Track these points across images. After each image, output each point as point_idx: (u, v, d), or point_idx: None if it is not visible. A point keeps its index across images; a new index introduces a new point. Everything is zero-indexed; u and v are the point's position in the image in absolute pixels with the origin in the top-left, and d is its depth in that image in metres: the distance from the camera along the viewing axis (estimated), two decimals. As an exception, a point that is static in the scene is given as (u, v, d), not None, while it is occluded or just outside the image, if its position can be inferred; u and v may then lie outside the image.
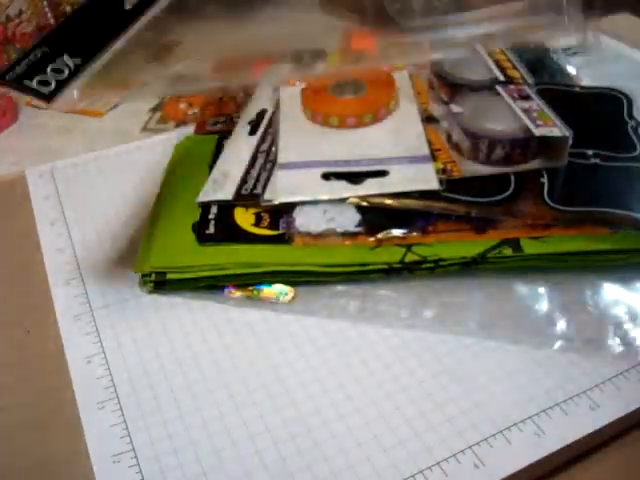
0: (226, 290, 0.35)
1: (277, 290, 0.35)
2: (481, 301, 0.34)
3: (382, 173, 0.38)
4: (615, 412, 0.28)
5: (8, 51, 0.64)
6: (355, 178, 0.38)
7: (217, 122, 0.48)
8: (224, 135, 0.45)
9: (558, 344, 0.31)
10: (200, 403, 0.30)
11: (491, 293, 0.34)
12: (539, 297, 0.34)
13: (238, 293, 0.35)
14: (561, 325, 0.32)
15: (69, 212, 0.42)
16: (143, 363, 0.32)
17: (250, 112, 0.47)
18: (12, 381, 0.32)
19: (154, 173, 0.44)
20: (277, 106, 0.45)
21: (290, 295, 0.35)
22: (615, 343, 0.31)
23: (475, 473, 0.27)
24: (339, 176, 0.38)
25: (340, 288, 0.35)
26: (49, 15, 0.65)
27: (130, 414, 0.30)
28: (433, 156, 0.39)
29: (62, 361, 0.32)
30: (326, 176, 0.38)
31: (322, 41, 0.64)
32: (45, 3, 0.64)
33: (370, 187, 0.37)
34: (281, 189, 0.38)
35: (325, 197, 0.37)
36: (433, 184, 0.37)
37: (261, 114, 0.46)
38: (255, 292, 0.35)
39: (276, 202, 0.37)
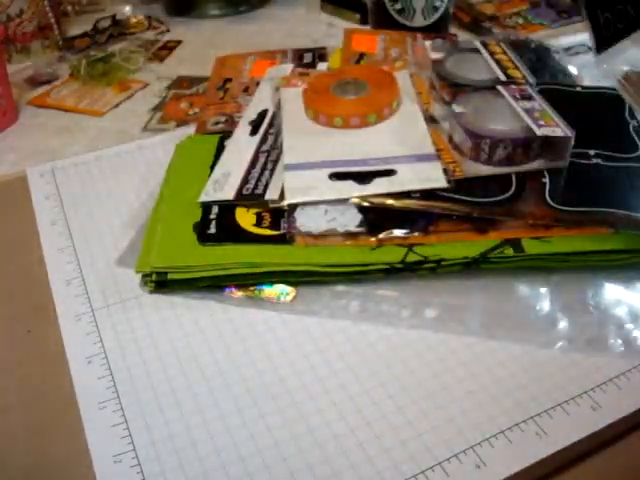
0: (227, 290, 0.35)
1: (278, 290, 0.35)
2: (482, 301, 0.34)
3: (389, 172, 0.38)
4: (617, 412, 0.28)
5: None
6: (362, 178, 0.38)
7: (218, 122, 0.48)
8: (225, 135, 0.45)
9: (560, 344, 0.31)
10: (201, 403, 0.30)
11: (492, 293, 0.34)
12: (540, 297, 0.34)
13: (239, 293, 0.35)
14: (563, 325, 0.32)
15: (70, 212, 0.42)
16: (144, 363, 0.32)
17: (251, 112, 0.47)
18: (13, 381, 0.32)
19: (155, 173, 0.44)
20: (279, 107, 0.45)
21: (291, 295, 0.35)
22: (617, 343, 0.31)
23: (477, 473, 0.27)
24: (346, 176, 0.38)
25: (341, 288, 0.35)
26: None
27: (131, 414, 0.30)
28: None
29: (63, 361, 0.32)
30: (332, 176, 0.38)
31: (322, 41, 0.64)
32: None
33: (378, 186, 0.37)
34: (290, 190, 0.38)
35: (334, 197, 0.37)
36: (441, 182, 0.37)
37: (262, 114, 0.46)
38: (256, 292, 0.35)
39: (285, 203, 0.37)
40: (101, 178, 0.45)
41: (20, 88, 0.60)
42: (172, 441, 0.29)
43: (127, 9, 0.74)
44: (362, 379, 0.31)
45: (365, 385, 0.30)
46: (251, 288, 0.35)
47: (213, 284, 0.35)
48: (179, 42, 0.69)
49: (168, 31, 0.71)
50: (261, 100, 0.48)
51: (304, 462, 0.27)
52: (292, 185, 0.38)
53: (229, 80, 0.52)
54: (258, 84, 0.50)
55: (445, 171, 0.38)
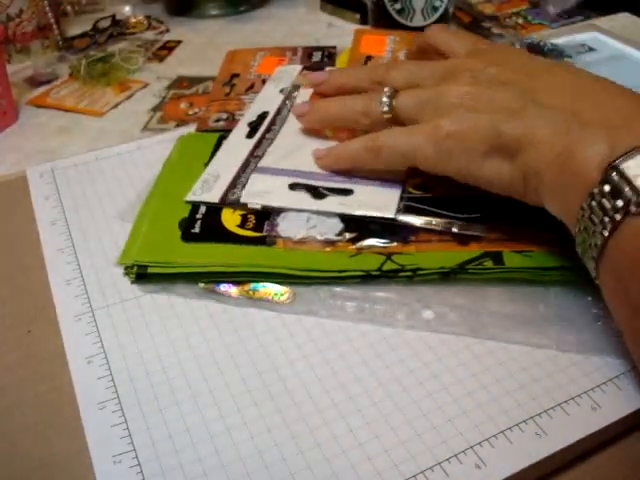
0: (222, 287, 0.35)
1: (273, 291, 0.35)
2: (482, 301, 0.34)
3: (347, 192, 0.38)
4: (617, 412, 0.28)
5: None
6: (318, 193, 0.38)
7: (219, 119, 0.48)
8: (225, 134, 0.45)
9: (559, 344, 0.31)
10: (201, 403, 0.30)
11: (491, 293, 0.34)
12: (540, 297, 0.34)
13: (234, 291, 0.35)
14: (562, 325, 0.32)
15: (70, 212, 0.42)
16: (144, 363, 0.32)
17: (252, 112, 0.46)
18: (13, 381, 0.32)
19: (155, 173, 0.44)
20: (283, 105, 0.45)
21: (285, 295, 0.35)
22: (617, 343, 0.31)
23: (477, 473, 0.27)
24: (305, 188, 0.38)
25: (340, 289, 0.35)
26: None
27: (131, 414, 0.30)
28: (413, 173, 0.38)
29: (63, 361, 0.32)
30: (292, 186, 0.39)
31: (323, 41, 0.64)
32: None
33: (329, 204, 0.37)
34: (249, 191, 0.39)
35: (285, 205, 0.37)
36: (389, 212, 0.36)
37: (262, 116, 0.46)
38: (250, 292, 0.35)
39: (240, 202, 0.38)
40: (101, 178, 0.45)
41: (20, 88, 0.60)
42: (172, 441, 0.29)
43: (127, 9, 0.74)
44: (362, 379, 0.31)
45: (365, 385, 0.30)
46: (246, 288, 0.35)
47: (192, 280, 0.36)
48: (179, 42, 0.69)
49: (168, 31, 0.71)
50: (264, 101, 0.48)
51: (304, 462, 0.27)
52: (251, 188, 0.39)
53: (236, 76, 0.52)
54: (264, 82, 0.50)
55: (421, 187, 0.38)
